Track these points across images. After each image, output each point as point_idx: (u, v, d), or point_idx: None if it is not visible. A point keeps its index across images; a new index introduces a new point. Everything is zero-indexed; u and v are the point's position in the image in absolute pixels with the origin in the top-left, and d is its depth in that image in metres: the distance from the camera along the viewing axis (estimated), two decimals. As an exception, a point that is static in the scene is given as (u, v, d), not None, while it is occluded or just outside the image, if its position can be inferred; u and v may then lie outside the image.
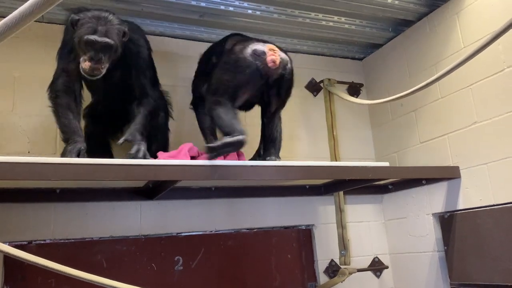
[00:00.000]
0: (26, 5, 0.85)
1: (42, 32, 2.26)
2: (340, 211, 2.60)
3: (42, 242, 2.01)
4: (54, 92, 1.81)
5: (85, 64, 1.72)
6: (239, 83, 1.95)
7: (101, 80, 1.83)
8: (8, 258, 1.83)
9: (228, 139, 1.78)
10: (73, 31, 1.77)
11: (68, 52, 1.84)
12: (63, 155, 1.70)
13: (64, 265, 1.33)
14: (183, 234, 2.28)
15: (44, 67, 2.22)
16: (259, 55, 1.94)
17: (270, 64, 1.93)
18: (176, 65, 2.40)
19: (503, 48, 2.07)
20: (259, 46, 1.97)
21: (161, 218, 2.23)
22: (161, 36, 2.53)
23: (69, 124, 1.75)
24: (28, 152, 2.10)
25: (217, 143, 1.78)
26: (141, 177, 1.71)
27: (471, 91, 2.25)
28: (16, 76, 2.17)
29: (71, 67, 1.83)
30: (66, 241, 2.05)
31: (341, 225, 2.57)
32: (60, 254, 2.02)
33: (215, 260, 2.31)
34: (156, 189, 2.06)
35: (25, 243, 1.98)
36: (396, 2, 2.40)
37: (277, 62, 1.94)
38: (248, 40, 2.06)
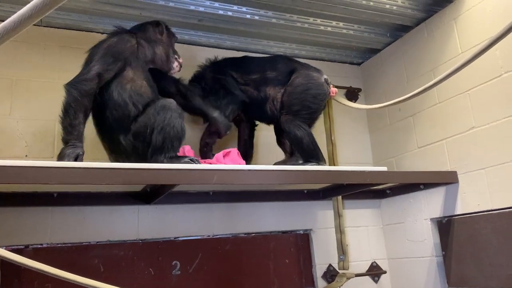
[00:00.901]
0: (25, 8, 0.85)
1: (40, 36, 2.26)
2: (338, 216, 2.59)
3: (39, 246, 2.00)
4: (80, 90, 1.77)
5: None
6: (319, 108, 2.27)
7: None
8: (4, 262, 1.82)
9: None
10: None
11: (113, 62, 1.86)
12: (60, 157, 1.70)
13: (61, 269, 1.32)
14: (180, 239, 2.27)
15: (42, 71, 2.23)
16: (329, 84, 2.29)
17: (331, 94, 2.31)
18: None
19: (501, 54, 2.08)
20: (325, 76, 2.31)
21: (159, 222, 2.23)
22: (159, 40, 2.53)
23: (77, 127, 1.75)
24: (26, 156, 2.10)
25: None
26: (139, 181, 1.71)
27: (469, 96, 2.25)
28: (14, 80, 2.17)
29: (106, 76, 1.84)
30: (63, 245, 2.04)
31: (340, 230, 2.57)
32: (57, 258, 2.01)
33: (212, 265, 2.30)
34: (153, 193, 2.05)
35: (22, 247, 1.97)
36: (394, 7, 2.41)
37: (335, 92, 2.32)
38: (309, 66, 2.35)
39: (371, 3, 2.35)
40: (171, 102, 1.88)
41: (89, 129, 2.22)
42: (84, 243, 2.08)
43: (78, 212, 2.08)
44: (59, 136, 2.15)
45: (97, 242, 2.10)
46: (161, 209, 2.24)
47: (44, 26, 2.29)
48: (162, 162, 1.78)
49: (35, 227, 1.99)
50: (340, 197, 2.60)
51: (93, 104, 1.85)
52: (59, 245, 2.03)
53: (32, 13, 0.84)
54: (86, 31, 2.37)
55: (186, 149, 2.05)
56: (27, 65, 2.20)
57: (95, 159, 2.16)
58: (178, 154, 1.92)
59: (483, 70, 2.16)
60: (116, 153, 1.93)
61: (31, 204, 1.99)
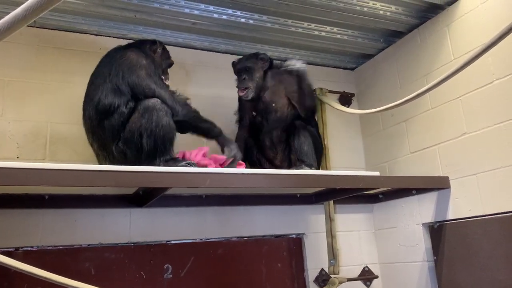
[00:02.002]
0: (19, 9, 0.85)
1: (33, 37, 2.25)
2: (330, 220, 2.59)
3: (30, 249, 1.98)
4: None
5: None
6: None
7: None
8: (-6, 265, 1.80)
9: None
10: None
11: None
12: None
13: (52, 272, 1.31)
14: (172, 242, 2.26)
15: (35, 72, 2.21)
16: None
17: None
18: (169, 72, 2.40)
19: (493, 61, 2.10)
20: None
21: (151, 225, 2.22)
22: (153, 43, 2.53)
23: None
24: (17, 157, 2.08)
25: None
26: (132, 184, 1.70)
27: (461, 103, 2.27)
28: (6, 81, 2.15)
29: None
30: (54, 248, 2.02)
31: (331, 234, 2.57)
32: (47, 261, 1.99)
33: (205, 269, 2.30)
34: (146, 196, 2.04)
35: (12, 249, 1.95)
36: (388, 13, 2.43)
37: None
38: None
39: (365, 9, 2.36)
40: (155, 102, 1.85)
41: (81, 130, 2.22)
42: (75, 246, 2.06)
43: (69, 215, 2.06)
44: (51, 138, 2.16)
45: (89, 245, 2.08)
46: (153, 212, 2.23)
47: (38, 27, 2.27)
48: (158, 166, 1.77)
49: (25, 229, 1.97)
50: (331, 201, 2.60)
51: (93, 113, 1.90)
52: (49, 247, 2.02)
53: (26, 14, 0.84)
54: (80, 32, 2.37)
55: (205, 150, 2.03)
56: (19, 66, 2.19)
57: (87, 161, 2.15)
58: (183, 156, 1.93)
59: (475, 76, 2.18)
60: (110, 162, 1.92)
61: (21, 206, 1.97)
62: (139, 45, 2.08)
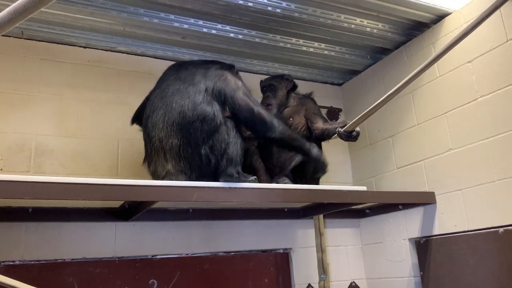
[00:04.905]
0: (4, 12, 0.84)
1: (20, 48, 2.23)
2: (320, 234, 2.58)
3: (11, 263, 1.94)
4: None
5: None
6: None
7: None
8: (-26, 280, 1.75)
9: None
10: None
11: None
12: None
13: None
14: (158, 257, 2.23)
15: (21, 83, 2.19)
16: None
17: None
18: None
19: (477, 79, 2.14)
20: None
21: (136, 240, 2.19)
22: (142, 56, 2.53)
23: None
24: (1, 169, 2.05)
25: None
26: (119, 198, 1.68)
27: (446, 119, 2.30)
28: (-9, 92, 2.12)
29: None
30: (37, 262, 1.98)
31: (321, 249, 2.56)
32: (30, 276, 1.95)
33: (190, 284, 2.27)
34: (132, 210, 2.02)
35: (-7, 264, 1.91)
36: (375, 30, 2.47)
37: None
38: None
39: (353, 26, 2.40)
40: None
41: (68, 143, 2.19)
42: (58, 260, 2.02)
43: (53, 228, 2.03)
44: (36, 150, 2.13)
45: (72, 259, 2.04)
46: (139, 226, 2.20)
47: (25, 39, 2.26)
48: (233, 175, 1.84)
49: (7, 243, 1.93)
50: (321, 216, 2.60)
51: None
52: (32, 262, 1.97)
53: (12, 17, 0.83)
54: (68, 44, 2.36)
55: None
56: (6, 77, 2.16)
57: (73, 174, 2.13)
58: None
59: (460, 93, 2.22)
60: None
61: (4, 219, 1.93)
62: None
